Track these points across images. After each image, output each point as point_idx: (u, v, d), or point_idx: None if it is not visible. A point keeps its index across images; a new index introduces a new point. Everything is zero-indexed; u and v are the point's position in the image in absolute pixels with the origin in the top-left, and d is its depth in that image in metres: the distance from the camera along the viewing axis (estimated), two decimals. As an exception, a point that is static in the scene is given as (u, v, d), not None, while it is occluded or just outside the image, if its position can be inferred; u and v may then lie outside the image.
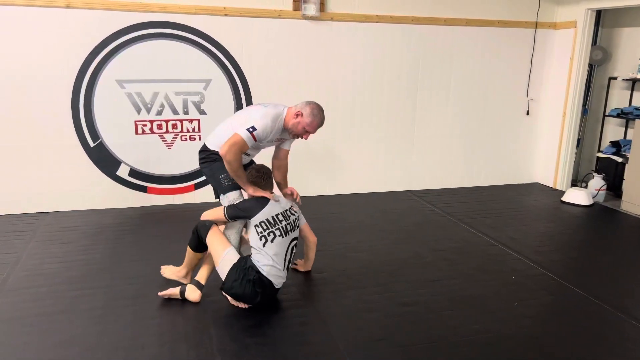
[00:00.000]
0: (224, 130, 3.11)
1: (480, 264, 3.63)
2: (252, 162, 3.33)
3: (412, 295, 3.12)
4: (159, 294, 3.03)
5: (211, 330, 2.68)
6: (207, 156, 3.17)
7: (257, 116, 2.98)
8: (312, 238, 3.28)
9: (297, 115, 3.03)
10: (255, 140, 2.94)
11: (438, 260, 3.66)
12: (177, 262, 3.24)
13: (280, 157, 3.31)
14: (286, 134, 3.15)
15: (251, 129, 2.90)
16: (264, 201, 2.94)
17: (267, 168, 3.13)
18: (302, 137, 3.12)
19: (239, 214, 2.91)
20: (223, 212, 2.93)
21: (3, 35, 4.11)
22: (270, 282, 2.85)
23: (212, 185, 3.26)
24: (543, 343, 2.65)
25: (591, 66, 5.79)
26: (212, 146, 3.15)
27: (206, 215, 2.98)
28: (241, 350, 2.51)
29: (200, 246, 3.00)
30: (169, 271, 3.17)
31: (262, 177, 3.03)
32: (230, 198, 3.09)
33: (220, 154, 2.94)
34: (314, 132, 3.11)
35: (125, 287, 3.13)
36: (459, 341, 2.64)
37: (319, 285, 3.25)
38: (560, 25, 5.50)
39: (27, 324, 2.69)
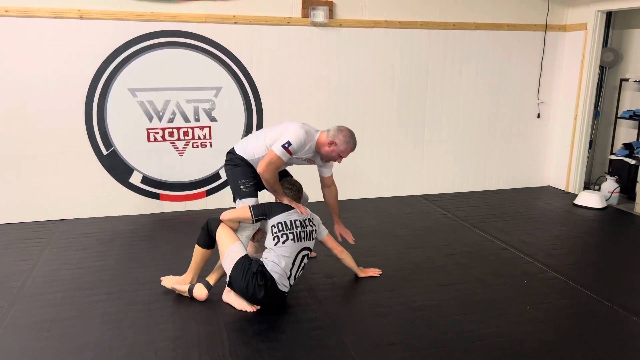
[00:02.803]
0: (254, 139, 3.26)
1: (492, 267, 3.61)
2: (286, 172, 3.43)
3: (424, 300, 3.11)
4: (169, 287, 3.11)
5: (224, 335, 2.70)
6: (232, 159, 3.30)
7: (291, 129, 3.08)
8: (337, 249, 3.32)
9: (330, 144, 3.13)
10: (290, 154, 3.06)
11: (450, 265, 3.65)
12: (187, 269, 3.25)
13: (327, 184, 3.46)
14: (317, 157, 3.27)
15: (286, 144, 3.02)
16: (287, 206, 3.07)
17: (298, 183, 3.29)
18: (336, 160, 3.23)
19: (264, 212, 3.02)
20: (249, 212, 2.99)
21: (19, 45, 4.19)
22: (272, 278, 2.87)
23: (231, 189, 3.34)
24: (556, 347, 2.63)
25: (602, 68, 5.75)
26: (239, 151, 3.29)
27: (228, 214, 3.01)
28: (254, 355, 2.53)
29: (209, 242, 3.05)
30: (169, 281, 3.18)
31: (291, 189, 3.21)
32: (246, 204, 3.16)
33: (258, 171, 3.09)
34: (346, 156, 3.21)
35: (139, 292, 3.17)
36: (471, 345, 2.63)
37: (330, 289, 3.26)
38: (571, 28, 5.48)
39: (43, 330, 2.73)
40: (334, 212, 3.53)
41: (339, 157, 3.17)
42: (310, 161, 3.31)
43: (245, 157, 3.26)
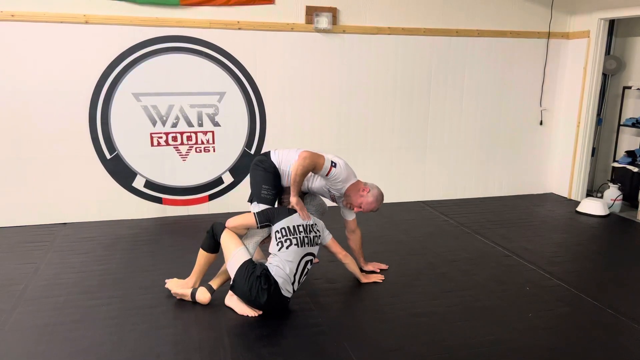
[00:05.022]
0: (294, 155, 3.27)
1: (494, 274, 3.61)
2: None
3: (426, 306, 3.11)
4: (172, 292, 3.11)
5: (225, 340, 2.70)
6: (263, 162, 3.30)
7: (341, 162, 3.22)
8: (340, 254, 3.33)
9: (363, 190, 3.27)
10: (328, 174, 3.14)
11: (452, 271, 3.65)
12: (190, 273, 3.25)
13: (351, 228, 3.53)
14: (341, 199, 3.36)
15: (334, 164, 3.14)
16: (291, 211, 3.07)
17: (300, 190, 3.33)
18: (352, 208, 3.33)
19: (269, 218, 3.03)
20: (254, 218, 3.00)
21: (24, 49, 4.22)
22: (276, 282, 2.87)
23: (252, 189, 3.35)
24: (558, 355, 2.63)
25: (605, 75, 5.76)
26: (274, 159, 3.30)
27: (233, 221, 3.02)
28: (255, 360, 2.53)
29: (213, 246, 3.06)
30: (172, 283, 3.19)
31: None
32: (262, 208, 3.18)
33: (299, 155, 3.10)
34: (365, 211, 3.32)
35: (141, 296, 3.17)
36: (473, 352, 2.62)
37: (332, 295, 3.26)
38: (573, 35, 5.49)
39: (45, 333, 2.74)
40: (360, 256, 3.58)
41: (359, 207, 3.29)
42: (332, 197, 3.43)
43: (278, 166, 3.27)
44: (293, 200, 3.10)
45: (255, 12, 4.65)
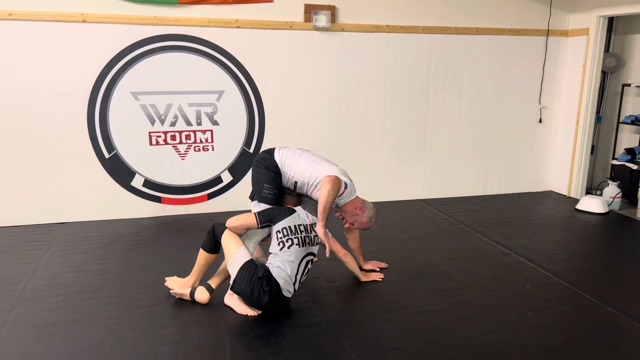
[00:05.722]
0: (301, 159, 3.22)
1: (494, 273, 3.61)
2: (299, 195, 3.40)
3: (425, 305, 3.11)
4: (171, 292, 3.10)
5: (225, 339, 2.70)
6: (266, 160, 3.26)
7: (347, 180, 3.22)
8: (340, 252, 3.33)
9: (360, 209, 3.28)
10: (341, 195, 3.16)
11: (452, 270, 3.65)
12: (190, 272, 3.25)
13: (350, 229, 3.49)
14: (336, 208, 3.36)
15: (346, 186, 3.16)
16: (291, 211, 3.06)
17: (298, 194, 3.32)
18: (345, 223, 3.34)
19: (270, 218, 3.01)
20: (255, 218, 2.98)
21: (22, 48, 4.20)
22: (277, 283, 2.87)
23: (253, 187, 3.31)
24: (558, 353, 2.63)
25: (604, 73, 5.75)
26: (278, 158, 3.25)
27: (233, 221, 2.99)
28: (255, 359, 2.52)
29: (214, 247, 3.05)
30: (173, 282, 3.19)
31: (292, 194, 3.25)
32: (262, 208, 3.16)
33: (325, 180, 3.02)
34: (355, 227, 3.34)
35: (140, 296, 3.17)
36: (473, 351, 2.62)
37: (332, 294, 3.26)
38: (573, 33, 5.49)
39: (44, 333, 2.73)
40: (359, 255, 3.57)
41: (352, 224, 3.30)
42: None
43: (281, 167, 3.23)
44: (321, 231, 3.00)
45: (254, 10, 4.64)
